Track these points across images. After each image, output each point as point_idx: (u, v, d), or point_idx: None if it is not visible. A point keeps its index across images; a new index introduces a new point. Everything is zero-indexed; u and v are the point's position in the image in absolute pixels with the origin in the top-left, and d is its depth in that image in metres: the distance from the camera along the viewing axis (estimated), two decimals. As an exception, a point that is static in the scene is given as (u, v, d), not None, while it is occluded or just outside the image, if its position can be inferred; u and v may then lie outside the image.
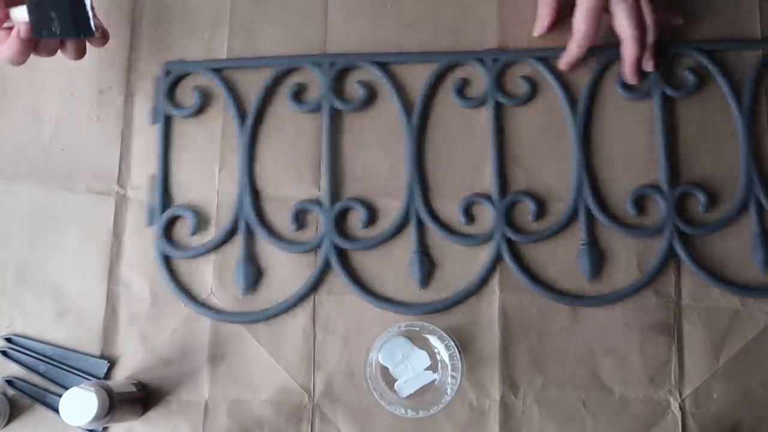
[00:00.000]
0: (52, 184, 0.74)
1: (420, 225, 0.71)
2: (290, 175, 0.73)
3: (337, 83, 0.74)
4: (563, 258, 0.71)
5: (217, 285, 0.71)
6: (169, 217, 0.72)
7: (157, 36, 0.76)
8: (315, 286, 0.71)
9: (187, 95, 0.75)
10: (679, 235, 0.71)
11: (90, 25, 0.64)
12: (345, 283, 0.70)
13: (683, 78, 0.73)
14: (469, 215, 0.72)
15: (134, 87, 0.75)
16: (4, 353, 0.70)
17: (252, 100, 0.74)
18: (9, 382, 0.69)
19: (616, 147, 0.73)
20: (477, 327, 0.70)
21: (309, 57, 0.75)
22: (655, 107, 0.73)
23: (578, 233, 0.71)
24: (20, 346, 0.70)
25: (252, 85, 0.75)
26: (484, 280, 0.70)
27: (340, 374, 0.69)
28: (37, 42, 0.64)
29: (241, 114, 0.74)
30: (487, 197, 0.72)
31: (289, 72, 0.75)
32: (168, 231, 0.72)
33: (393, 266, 0.71)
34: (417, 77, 0.74)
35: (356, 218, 0.72)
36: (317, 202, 0.72)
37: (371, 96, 0.74)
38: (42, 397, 0.69)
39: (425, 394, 0.68)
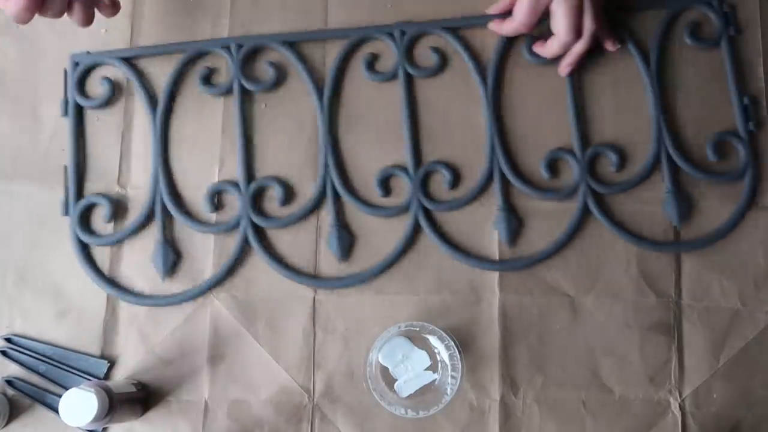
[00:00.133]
0: (52, 184, 0.74)
1: (337, 200, 0.72)
2: (204, 159, 0.73)
3: (247, 65, 0.74)
4: (481, 224, 0.71)
5: (136, 270, 0.72)
6: (85, 205, 0.72)
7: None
8: (232, 269, 0.71)
9: (97, 86, 0.75)
10: (593, 194, 0.71)
11: None
12: (265, 260, 0.71)
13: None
14: (386, 188, 0.72)
15: (134, 87, 0.75)
16: (4, 353, 0.70)
17: (162, 86, 0.74)
18: (9, 382, 0.69)
19: (528, 113, 0.73)
20: (477, 327, 0.70)
21: (218, 41, 0.75)
22: (567, 81, 0.73)
23: (494, 199, 0.71)
24: (20, 346, 0.70)
25: (162, 71, 0.75)
26: (403, 251, 0.71)
27: (340, 374, 0.69)
28: (44, 0, 0.63)
29: (152, 101, 0.74)
30: (403, 169, 0.72)
31: (198, 56, 0.75)
32: (85, 219, 0.73)
33: (312, 243, 0.72)
34: (327, 55, 0.74)
35: (272, 197, 0.72)
36: (234, 184, 0.72)
37: (282, 76, 0.74)
38: (42, 397, 0.69)
39: (425, 394, 0.68)
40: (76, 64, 0.75)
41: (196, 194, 0.73)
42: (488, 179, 0.72)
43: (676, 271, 0.71)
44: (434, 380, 0.68)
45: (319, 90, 0.74)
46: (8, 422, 0.69)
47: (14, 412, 0.69)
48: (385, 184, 0.72)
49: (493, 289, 0.71)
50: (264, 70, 0.74)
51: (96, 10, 0.67)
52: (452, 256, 0.71)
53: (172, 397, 0.69)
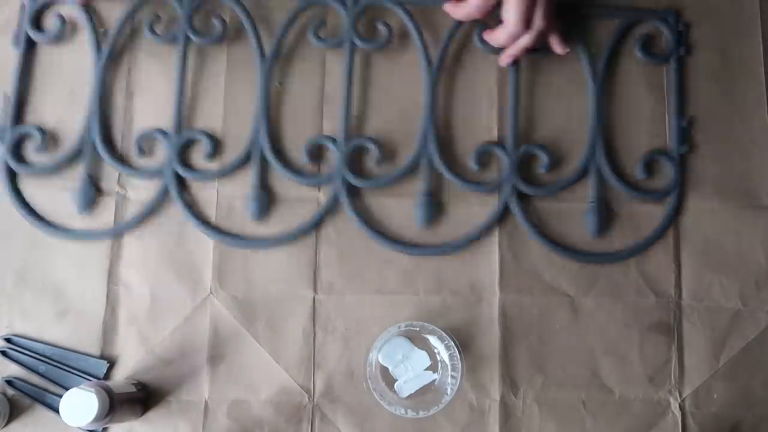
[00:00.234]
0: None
1: (264, 163, 0.72)
2: (144, 101, 0.74)
3: (196, 14, 0.74)
4: (405, 207, 0.72)
5: (62, 205, 0.72)
6: (18, 135, 0.73)
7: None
8: (154, 207, 0.72)
9: (51, 22, 0.75)
10: (517, 193, 0.71)
11: None
12: (184, 212, 0.72)
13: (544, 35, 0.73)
14: (313, 157, 0.72)
15: (134, 87, 0.75)
16: (4, 353, 0.70)
17: (113, 28, 0.75)
18: (9, 382, 0.69)
19: (468, 100, 0.74)
20: (477, 327, 0.70)
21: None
22: (511, 66, 0.73)
23: (419, 183, 0.72)
24: (20, 346, 0.70)
25: (112, 12, 0.75)
26: (318, 223, 0.71)
27: (340, 374, 0.69)
28: None
29: (98, 42, 0.74)
30: (333, 140, 0.72)
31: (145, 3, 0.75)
32: (17, 150, 0.73)
33: (237, 197, 0.72)
34: (280, 16, 0.74)
35: (200, 149, 0.73)
36: (163, 132, 0.73)
37: (235, 36, 0.75)
38: (42, 397, 0.69)
39: (425, 394, 0.68)
40: None
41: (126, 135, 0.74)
42: (416, 161, 0.72)
43: (676, 271, 0.71)
44: (434, 380, 0.68)
45: (262, 52, 0.73)
46: (8, 422, 0.69)
47: (14, 412, 0.69)
48: (313, 153, 0.72)
49: (493, 289, 0.71)
50: (212, 24, 0.74)
51: None
52: (372, 237, 0.71)
53: (172, 397, 0.69)
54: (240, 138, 0.73)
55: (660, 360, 0.70)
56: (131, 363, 0.70)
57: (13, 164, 0.72)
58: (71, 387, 0.62)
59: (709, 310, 0.71)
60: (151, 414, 0.69)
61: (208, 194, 0.73)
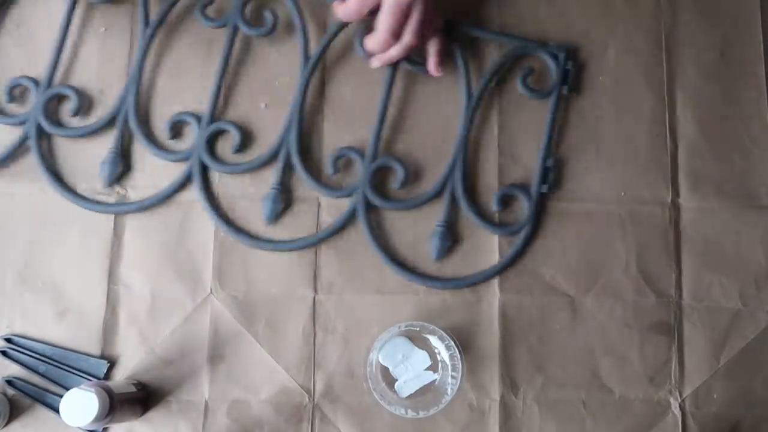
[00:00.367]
0: (52, 184, 0.74)
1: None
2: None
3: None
4: (256, 196, 0.72)
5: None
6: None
7: None
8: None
9: None
10: (367, 202, 0.71)
11: None
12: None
13: (423, 51, 0.73)
14: (174, 131, 0.73)
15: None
16: (4, 353, 0.70)
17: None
18: (9, 382, 0.69)
19: (338, 104, 0.74)
20: (477, 327, 0.70)
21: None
22: (387, 72, 0.73)
23: (272, 177, 0.72)
24: (20, 346, 0.70)
25: None
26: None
27: (340, 374, 0.69)
28: None
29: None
30: (197, 117, 0.72)
31: None
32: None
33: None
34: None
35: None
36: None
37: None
38: (42, 397, 0.69)
39: (425, 394, 0.68)
40: None
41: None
42: (276, 152, 0.72)
43: (676, 271, 0.71)
44: (434, 380, 0.68)
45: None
46: (8, 422, 0.69)
47: (14, 412, 0.69)
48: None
49: (493, 289, 0.71)
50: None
51: None
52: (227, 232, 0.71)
53: (172, 397, 0.69)
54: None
55: (660, 360, 0.70)
56: (131, 363, 0.70)
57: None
58: (71, 387, 0.62)
59: (709, 310, 0.71)
60: (151, 414, 0.69)
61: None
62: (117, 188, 0.73)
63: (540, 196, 0.71)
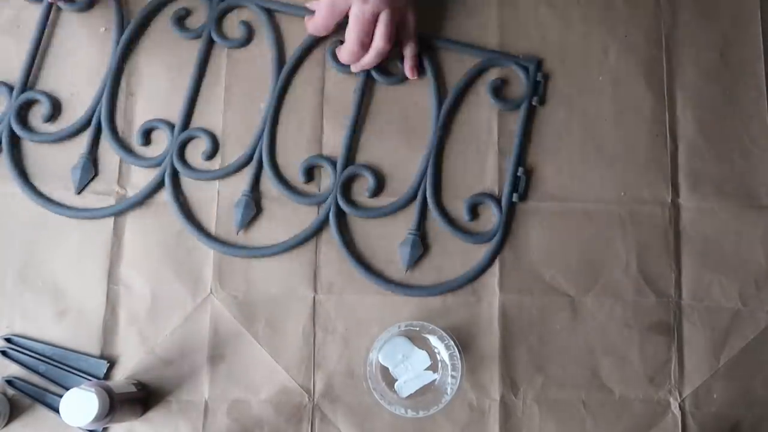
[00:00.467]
0: (52, 184, 0.74)
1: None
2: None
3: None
4: (227, 204, 0.72)
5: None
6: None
7: None
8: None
9: None
10: (338, 210, 0.71)
11: None
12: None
13: (396, 67, 0.74)
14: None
15: (134, 87, 0.75)
16: (4, 353, 0.70)
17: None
18: (9, 382, 0.69)
19: (305, 113, 0.74)
20: (477, 327, 0.70)
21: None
22: (359, 81, 0.74)
23: (243, 185, 0.72)
24: (20, 346, 0.70)
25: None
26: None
27: (340, 374, 0.69)
28: None
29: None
30: (169, 125, 0.73)
31: None
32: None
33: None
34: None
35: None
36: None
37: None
38: (42, 397, 0.69)
39: (425, 394, 0.68)
40: None
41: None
42: (248, 160, 0.73)
43: (676, 271, 0.71)
44: (434, 380, 0.68)
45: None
46: (8, 422, 0.69)
47: (14, 412, 0.69)
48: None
49: (493, 289, 0.71)
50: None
51: None
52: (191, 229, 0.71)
53: (172, 397, 0.69)
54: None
55: (660, 360, 0.70)
56: (131, 363, 0.70)
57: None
58: (71, 387, 0.62)
59: (709, 310, 0.71)
60: (151, 414, 0.69)
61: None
62: (117, 188, 0.73)
63: (510, 205, 0.72)
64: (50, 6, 0.75)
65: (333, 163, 0.72)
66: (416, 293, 0.71)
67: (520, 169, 0.72)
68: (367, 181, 0.72)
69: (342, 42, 0.73)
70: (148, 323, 0.70)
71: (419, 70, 0.74)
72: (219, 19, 0.75)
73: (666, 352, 0.70)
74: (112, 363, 0.70)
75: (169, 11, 0.75)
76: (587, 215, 0.72)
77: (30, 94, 0.73)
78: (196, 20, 0.75)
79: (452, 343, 0.67)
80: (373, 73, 0.74)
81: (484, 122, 0.74)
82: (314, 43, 0.75)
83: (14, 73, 0.74)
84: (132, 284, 0.71)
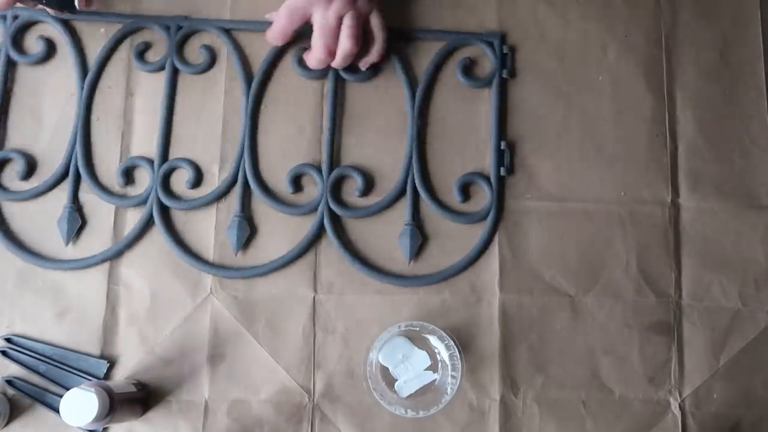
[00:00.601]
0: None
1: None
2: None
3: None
4: (222, 228, 0.72)
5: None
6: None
7: None
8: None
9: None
10: (331, 215, 0.71)
11: (74, 3, 0.69)
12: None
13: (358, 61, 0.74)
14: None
15: (134, 87, 0.75)
16: (4, 353, 0.70)
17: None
18: (9, 382, 0.69)
19: (282, 124, 0.74)
20: (477, 327, 0.70)
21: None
22: (329, 84, 0.74)
23: (234, 207, 0.72)
24: (20, 346, 0.70)
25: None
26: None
27: (340, 374, 0.69)
28: None
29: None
30: (149, 161, 0.73)
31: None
32: None
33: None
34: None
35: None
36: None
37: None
38: (42, 397, 0.69)
39: (425, 394, 0.68)
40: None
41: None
42: (232, 182, 0.72)
43: (676, 271, 0.71)
44: (434, 380, 0.68)
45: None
46: (8, 422, 0.69)
47: (14, 412, 0.69)
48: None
49: (493, 289, 0.71)
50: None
51: None
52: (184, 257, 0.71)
53: (172, 397, 0.69)
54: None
55: (660, 360, 0.70)
56: (131, 363, 0.70)
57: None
58: (71, 387, 0.62)
59: (709, 310, 0.71)
60: (151, 414, 0.69)
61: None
62: (118, 187, 0.73)
63: (500, 180, 0.72)
64: (7, 62, 0.74)
65: (318, 169, 0.72)
66: (421, 283, 0.71)
67: (503, 143, 0.72)
68: (356, 182, 0.72)
69: (306, 49, 0.73)
70: (148, 323, 0.70)
71: (378, 69, 0.74)
72: (180, 47, 0.75)
73: (666, 352, 0.70)
74: (112, 363, 0.70)
75: (130, 46, 0.75)
76: (587, 215, 0.72)
77: (3, 153, 0.73)
78: (157, 52, 0.75)
79: (452, 343, 0.67)
80: (342, 73, 0.74)
81: (460, 104, 0.74)
82: (278, 55, 0.75)
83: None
84: (132, 284, 0.71)
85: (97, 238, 0.72)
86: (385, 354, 0.68)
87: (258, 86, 0.74)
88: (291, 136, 0.74)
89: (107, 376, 0.69)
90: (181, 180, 0.73)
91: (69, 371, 0.69)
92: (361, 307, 0.71)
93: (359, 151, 0.74)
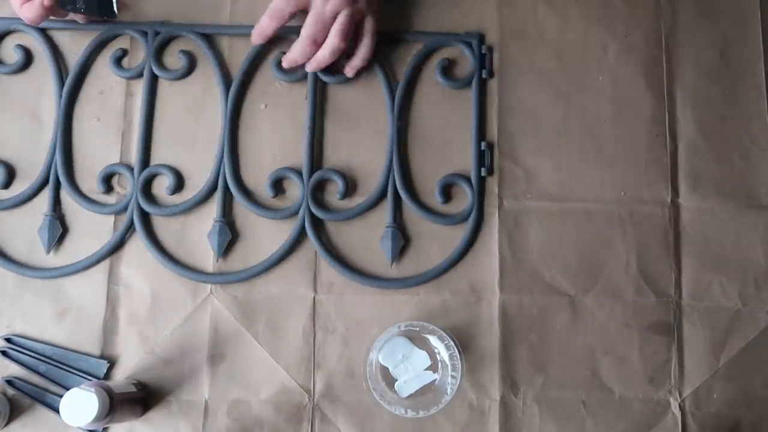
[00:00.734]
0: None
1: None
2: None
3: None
4: (199, 233, 0.72)
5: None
6: None
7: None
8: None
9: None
10: (312, 218, 0.71)
11: (113, 8, 0.71)
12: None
13: (340, 63, 0.74)
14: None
15: (134, 87, 0.75)
16: (4, 353, 0.70)
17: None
18: (9, 382, 0.69)
19: (262, 129, 0.74)
20: (477, 327, 0.70)
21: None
22: (309, 87, 0.74)
23: (215, 209, 0.72)
24: (20, 346, 0.70)
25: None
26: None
27: (340, 374, 0.69)
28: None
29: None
30: (129, 168, 0.72)
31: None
32: None
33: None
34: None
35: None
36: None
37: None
38: (42, 397, 0.69)
39: (425, 394, 0.68)
40: None
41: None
42: (212, 189, 0.72)
43: (676, 271, 0.71)
44: (434, 380, 0.68)
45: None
46: (8, 422, 0.69)
47: (14, 412, 0.69)
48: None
49: (493, 289, 0.71)
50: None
51: None
52: (166, 263, 0.71)
53: (172, 397, 0.69)
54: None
55: (660, 360, 0.70)
56: (131, 363, 0.70)
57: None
58: (71, 387, 0.62)
59: (709, 310, 0.71)
60: (151, 414, 0.69)
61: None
62: (117, 188, 0.73)
63: (481, 180, 0.72)
64: None
65: (299, 172, 0.72)
66: (402, 285, 0.71)
67: (483, 143, 0.72)
68: (337, 185, 0.72)
69: (284, 53, 0.73)
70: (148, 323, 0.70)
71: (358, 72, 0.73)
72: (158, 53, 0.75)
73: (666, 352, 0.70)
74: (112, 363, 0.70)
75: (107, 54, 0.75)
76: (587, 215, 0.72)
77: None
78: (135, 59, 0.75)
79: (452, 343, 0.67)
80: (321, 75, 0.74)
81: (441, 105, 0.74)
82: (258, 59, 0.74)
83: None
84: (132, 284, 0.71)
85: (95, 240, 0.72)
86: (385, 354, 0.68)
87: (237, 91, 0.74)
88: (271, 140, 0.74)
89: (107, 376, 0.69)
90: (162, 186, 0.73)
91: (69, 371, 0.69)
92: (360, 307, 0.71)
93: (340, 153, 0.73)
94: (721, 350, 0.70)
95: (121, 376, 0.70)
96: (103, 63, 0.75)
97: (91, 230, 0.72)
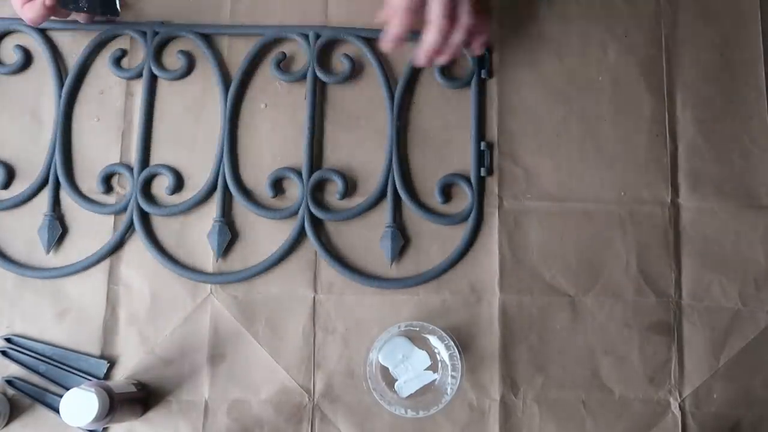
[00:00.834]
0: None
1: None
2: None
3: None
4: (199, 233, 0.72)
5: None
6: None
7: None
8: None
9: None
10: (312, 218, 0.71)
11: (116, 6, 0.70)
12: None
13: (340, 63, 0.74)
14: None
15: (134, 87, 0.75)
16: (4, 353, 0.70)
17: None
18: (9, 382, 0.69)
19: (262, 129, 0.74)
20: (477, 327, 0.70)
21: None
22: (308, 86, 0.73)
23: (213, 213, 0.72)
24: (20, 346, 0.70)
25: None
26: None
27: (340, 374, 0.69)
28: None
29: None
30: (129, 168, 0.73)
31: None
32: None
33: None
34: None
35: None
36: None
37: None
38: (42, 397, 0.69)
39: (425, 394, 0.68)
40: None
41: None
42: (212, 189, 0.72)
43: (676, 271, 0.71)
44: (434, 380, 0.68)
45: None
46: (8, 422, 0.69)
47: (14, 412, 0.69)
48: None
49: (493, 289, 0.71)
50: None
51: None
52: (165, 263, 0.71)
53: (172, 397, 0.69)
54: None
55: (660, 360, 0.70)
56: (131, 363, 0.70)
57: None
58: (71, 387, 0.62)
59: (709, 310, 0.71)
60: (151, 414, 0.69)
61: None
62: (117, 188, 0.73)
63: (480, 180, 0.72)
64: None
65: (298, 172, 0.72)
66: (402, 285, 0.71)
67: (483, 143, 0.72)
68: (336, 185, 0.72)
69: (284, 55, 0.73)
70: (148, 323, 0.70)
71: (358, 72, 0.74)
72: (157, 53, 0.75)
73: (666, 352, 0.70)
74: (112, 363, 0.70)
75: (106, 54, 0.75)
76: (587, 215, 0.72)
77: None
78: (135, 59, 0.75)
79: (452, 343, 0.67)
80: (320, 75, 0.73)
81: (440, 104, 0.74)
82: (257, 59, 0.74)
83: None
84: (132, 284, 0.71)
85: (95, 240, 0.72)
86: (385, 354, 0.68)
87: (237, 90, 0.74)
88: (271, 140, 0.74)
89: (107, 376, 0.69)
90: (161, 186, 0.73)
91: (69, 371, 0.69)
92: (360, 307, 0.71)
93: (340, 153, 0.73)
94: (721, 350, 0.70)
95: (121, 376, 0.70)
96: (103, 63, 0.75)
97: (91, 230, 0.72)
